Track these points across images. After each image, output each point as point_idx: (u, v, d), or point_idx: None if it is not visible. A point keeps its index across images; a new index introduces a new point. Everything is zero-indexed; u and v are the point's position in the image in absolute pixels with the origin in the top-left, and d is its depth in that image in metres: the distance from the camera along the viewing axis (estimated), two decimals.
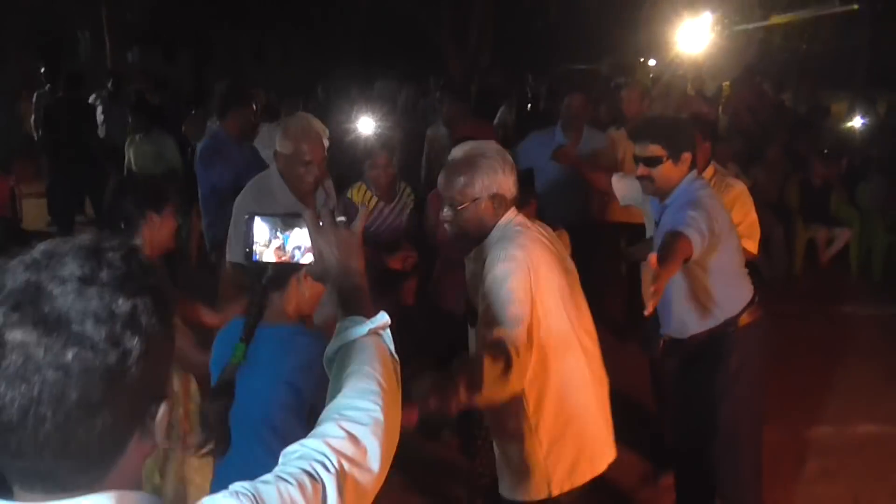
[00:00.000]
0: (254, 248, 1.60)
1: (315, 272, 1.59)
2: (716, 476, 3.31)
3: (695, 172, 3.20)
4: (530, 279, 2.38)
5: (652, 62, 21.70)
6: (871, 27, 16.42)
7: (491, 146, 2.61)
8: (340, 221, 1.59)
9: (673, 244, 2.75)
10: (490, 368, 2.21)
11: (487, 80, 10.72)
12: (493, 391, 2.23)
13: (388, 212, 4.43)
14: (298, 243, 1.60)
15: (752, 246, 3.81)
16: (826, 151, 8.02)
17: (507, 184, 2.52)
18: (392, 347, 1.50)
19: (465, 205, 2.50)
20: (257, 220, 1.60)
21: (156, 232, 2.93)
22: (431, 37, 15.20)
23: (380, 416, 1.30)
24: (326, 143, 3.38)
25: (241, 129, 4.87)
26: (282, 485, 1.10)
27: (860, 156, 8.63)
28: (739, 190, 3.94)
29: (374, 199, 4.39)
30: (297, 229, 1.60)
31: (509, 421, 2.51)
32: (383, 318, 1.51)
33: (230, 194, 3.78)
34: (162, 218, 2.95)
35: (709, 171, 3.96)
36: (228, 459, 2.25)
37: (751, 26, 18.48)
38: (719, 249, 3.03)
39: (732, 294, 3.18)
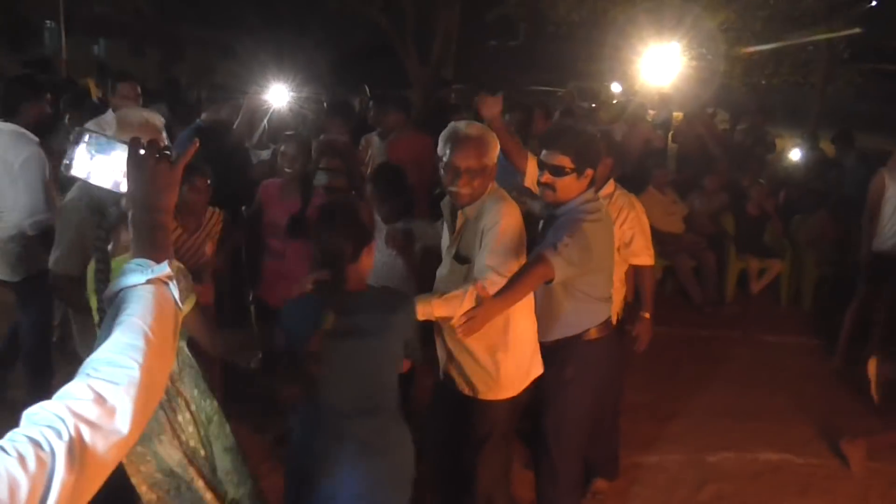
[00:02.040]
0: (72, 161, 1.57)
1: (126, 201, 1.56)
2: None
3: (592, 191, 3.24)
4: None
5: (616, 88, 22.01)
6: (827, 64, 16.73)
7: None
8: (165, 155, 1.55)
9: (532, 269, 2.85)
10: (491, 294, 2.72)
11: (440, 93, 10.72)
12: (491, 311, 2.73)
13: (190, 243, 3.90)
14: (119, 168, 1.57)
15: (647, 259, 4.08)
16: (762, 182, 8.14)
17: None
18: (177, 297, 1.44)
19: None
20: (87, 136, 1.58)
21: None
22: (395, 47, 15.23)
23: (136, 374, 1.24)
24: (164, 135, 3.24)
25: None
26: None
27: (799, 190, 8.76)
28: (639, 208, 4.02)
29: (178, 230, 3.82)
30: (118, 152, 1.57)
31: (492, 335, 3.06)
32: (164, 269, 1.44)
33: None
34: None
35: (608, 187, 4.00)
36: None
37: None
38: (585, 276, 3.10)
39: (583, 317, 3.29)
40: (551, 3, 16.75)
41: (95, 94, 8.91)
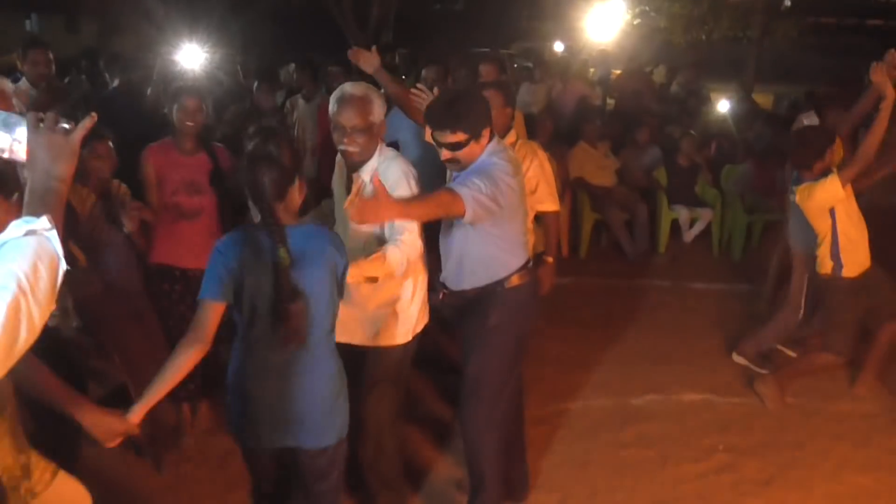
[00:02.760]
0: None
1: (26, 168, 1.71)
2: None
3: (496, 141, 3.23)
4: None
5: (559, 47, 22.06)
6: (764, 17, 16.93)
7: None
8: (61, 127, 1.73)
9: (441, 195, 2.91)
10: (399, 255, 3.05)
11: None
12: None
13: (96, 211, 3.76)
14: (20, 139, 1.74)
15: (552, 205, 4.20)
16: (693, 133, 8.26)
17: None
18: (59, 249, 1.56)
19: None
20: None
21: None
22: (333, 14, 15.04)
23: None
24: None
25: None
26: None
27: (730, 141, 8.90)
28: (542, 156, 4.08)
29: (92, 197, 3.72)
30: (20, 128, 1.74)
31: (394, 288, 3.30)
32: (43, 222, 1.56)
33: None
34: None
35: (510, 137, 4.04)
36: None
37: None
38: (498, 219, 3.10)
39: (502, 260, 3.27)
40: None
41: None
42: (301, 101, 6.34)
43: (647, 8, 20.28)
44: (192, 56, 5.83)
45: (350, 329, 3.27)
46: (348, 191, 3.21)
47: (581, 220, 7.80)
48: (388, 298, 3.32)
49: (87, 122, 1.77)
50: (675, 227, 8.05)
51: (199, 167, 4.08)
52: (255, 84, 6.00)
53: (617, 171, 7.95)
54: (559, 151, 7.77)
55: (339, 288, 2.68)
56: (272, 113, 5.43)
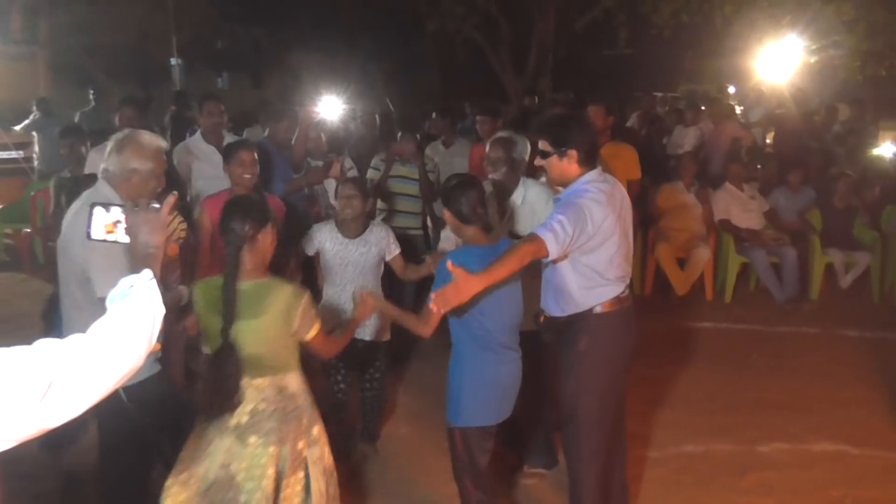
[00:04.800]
0: (91, 229, 2.19)
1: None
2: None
3: (598, 171, 3.33)
4: None
5: (732, 89, 21.41)
6: None
7: None
8: (152, 207, 2.14)
9: (522, 246, 3.07)
10: None
11: (524, 102, 10.93)
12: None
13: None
14: (121, 221, 2.18)
15: None
16: (850, 174, 7.90)
17: None
18: (159, 297, 1.90)
19: None
20: (95, 208, 2.19)
21: None
22: (490, 61, 15.49)
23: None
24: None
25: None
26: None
27: (894, 182, 8.43)
28: None
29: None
30: (118, 210, 2.19)
31: None
32: (146, 275, 1.94)
33: None
34: None
35: None
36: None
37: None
38: (589, 254, 3.23)
39: (595, 292, 3.33)
40: (653, 7, 16.55)
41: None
42: (441, 147, 6.67)
43: (824, 43, 19.41)
44: (330, 107, 6.31)
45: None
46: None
47: (726, 263, 7.62)
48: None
49: (171, 199, 2.18)
50: (831, 272, 7.70)
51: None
52: (399, 133, 6.39)
53: (766, 214, 7.73)
54: (704, 193, 7.68)
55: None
56: (413, 159, 5.74)
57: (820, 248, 7.52)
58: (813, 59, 19.65)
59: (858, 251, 7.58)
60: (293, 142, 5.43)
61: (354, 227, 4.36)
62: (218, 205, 4.30)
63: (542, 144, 3.33)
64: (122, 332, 1.71)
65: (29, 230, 7.96)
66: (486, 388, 3.38)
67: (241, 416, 2.87)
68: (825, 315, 7.14)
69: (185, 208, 4.41)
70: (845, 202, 7.68)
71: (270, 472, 2.85)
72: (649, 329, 4.50)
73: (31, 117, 11.17)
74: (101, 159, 4.43)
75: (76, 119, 9.54)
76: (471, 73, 17.42)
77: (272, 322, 2.91)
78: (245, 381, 2.89)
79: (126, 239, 2.14)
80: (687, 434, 4.87)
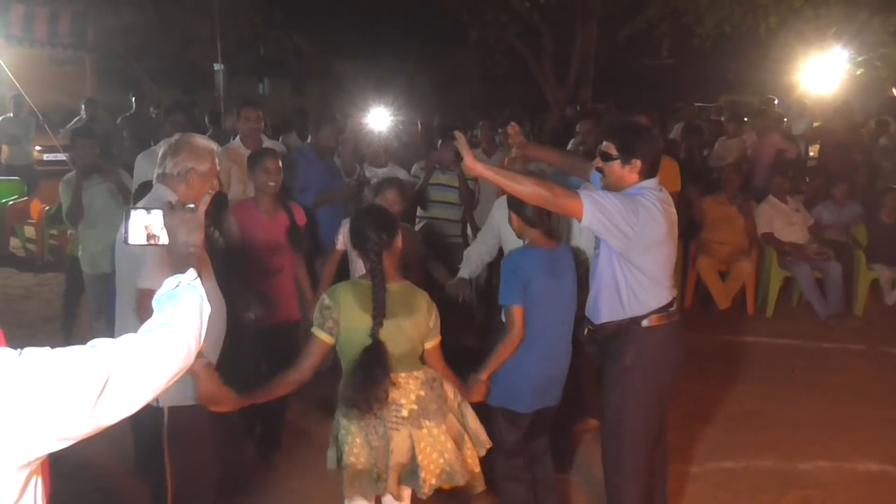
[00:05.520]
0: (129, 234, 2.18)
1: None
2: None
3: (655, 181, 3.27)
4: None
5: (775, 101, 21.12)
6: None
7: None
8: (188, 208, 2.17)
9: (556, 186, 3.11)
10: None
11: (566, 112, 10.91)
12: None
13: None
14: (159, 223, 2.18)
15: None
16: (894, 188, 7.76)
17: None
18: (203, 294, 1.94)
19: None
20: (132, 213, 2.18)
21: None
22: (533, 71, 15.47)
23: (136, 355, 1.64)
24: None
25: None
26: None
27: None
28: None
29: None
30: (157, 212, 2.19)
31: None
32: (189, 274, 1.98)
33: None
34: None
35: None
36: None
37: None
38: (635, 247, 3.16)
39: (640, 296, 3.27)
40: (697, 17, 16.40)
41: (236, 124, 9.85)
42: (483, 155, 6.68)
43: (870, 56, 19.07)
44: (379, 117, 6.38)
45: None
46: None
47: (769, 276, 7.51)
48: None
49: (207, 199, 2.32)
50: (877, 288, 7.55)
51: (280, 227, 4.38)
52: (440, 142, 6.43)
53: (810, 228, 7.61)
54: (747, 206, 7.59)
55: None
56: (452, 167, 5.75)
57: (865, 263, 7.40)
58: (858, 72, 19.32)
59: None
60: (341, 149, 5.49)
61: None
62: (244, 211, 4.38)
63: (607, 147, 3.26)
64: (173, 331, 1.75)
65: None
66: (524, 376, 3.51)
67: (409, 405, 3.04)
68: (870, 332, 7.01)
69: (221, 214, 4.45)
70: (892, 217, 7.54)
71: (450, 445, 3.08)
72: (690, 342, 4.37)
73: (77, 119, 11.36)
74: (149, 164, 4.50)
75: (118, 123, 9.67)
76: (513, 83, 17.43)
77: (423, 320, 3.09)
78: (404, 375, 3.05)
79: (166, 240, 2.17)
80: (727, 450, 4.80)
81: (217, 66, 19.10)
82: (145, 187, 3.85)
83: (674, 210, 3.38)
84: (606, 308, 3.35)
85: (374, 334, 2.96)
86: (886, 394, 5.66)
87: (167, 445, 3.14)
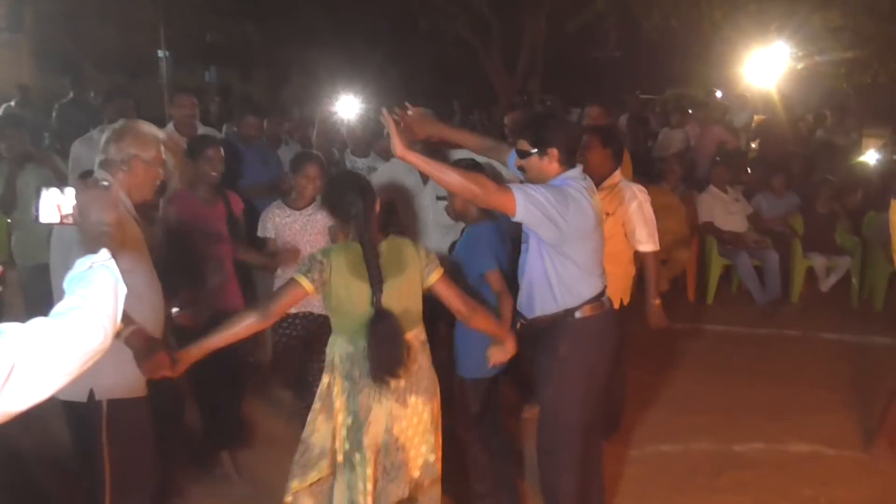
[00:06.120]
0: (39, 212, 2.12)
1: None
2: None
3: (578, 170, 3.27)
4: None
5: (718, 94, 21.50)
6: None
7: None
8: (102, 185, 2.14)
9: (487, 181, 3.09)
10: None
11: (514, 103, 10.98)
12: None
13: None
14: (73, 202, 2.12)
15: (650, 245, 4.36)
16: (832, 179, 7.97)
17: None
18: (118, 276, 1.86)
19: None
20: (44, 190, 2.12)
21: None
22: (481, 60, 15.50)
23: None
24: None
25: None
26: None
27: (876, 189, 8.49)
28: (643, 197, 4.15)
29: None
30: (70, 190, 2.12)
31: None
32: (103, 255, 1.89)
33: None
34: None
35: (613, 178, 4.13)
36: None
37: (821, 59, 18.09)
38: (567, 238, 3.16)
39: (573, 287, 3.29)
40: (644, 10, 16.59)
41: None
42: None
43: (811, 50, 19.49)
44: (348, 106, 6.41)
45: None
46: None
47: (709, 264, 7.67)
48: None
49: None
50: (812, 276, 7.76)
51: (219, 216, 4.31)
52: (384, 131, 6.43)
53: (749, 217, 7.78)
54: (689, 196, 7.72)
55: None
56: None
57: (801, 252, 7.59)
58: (799, 66, 19.75)
59: (839, 256, 7.65)
60: (314, 138, 5.52)
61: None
62: (183, 200, 4.24)
63: (522, 144, 3.26)
64: (84, 313, 1.69)
65: None
66: (480, 344, 3.38)
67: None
68: (805, 318, 7.20)
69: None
70: (827, 207, 7.75)
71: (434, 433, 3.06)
72: (630, 329, 4.50)
73: (5, 106, 11.00)
74: (86, 150, 4.37)
75: (54, 111, 9.39)
76: (462, 73, 17.44)
77: (416, 274, 2.99)
78: (409, 336, 2.97)
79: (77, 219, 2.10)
80: (666, 433, 4.90)
81: (161, 53, 18.86)
82: (86, 176, 3.75)
83: (599, 198, 3.41)
84: (539, 302, 3.35)
85: (376, 303, 2.87)
86: (820, 377, 5.84)
87: (105, 439, 3.00)
